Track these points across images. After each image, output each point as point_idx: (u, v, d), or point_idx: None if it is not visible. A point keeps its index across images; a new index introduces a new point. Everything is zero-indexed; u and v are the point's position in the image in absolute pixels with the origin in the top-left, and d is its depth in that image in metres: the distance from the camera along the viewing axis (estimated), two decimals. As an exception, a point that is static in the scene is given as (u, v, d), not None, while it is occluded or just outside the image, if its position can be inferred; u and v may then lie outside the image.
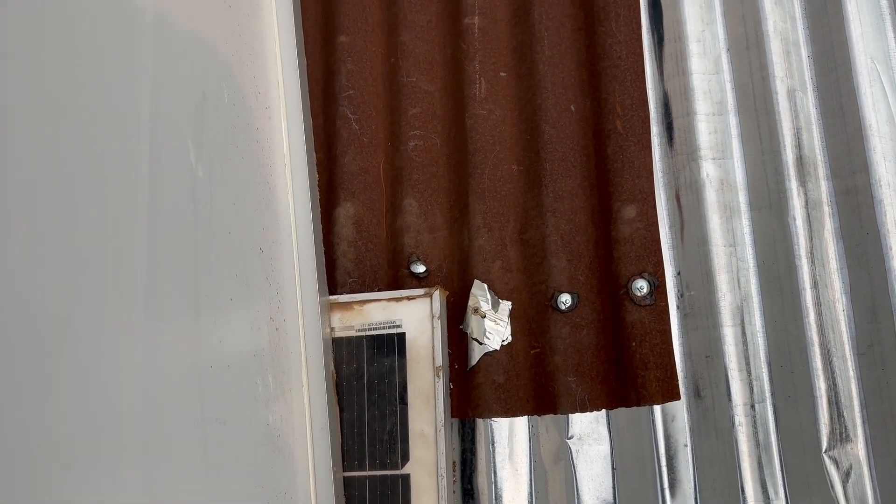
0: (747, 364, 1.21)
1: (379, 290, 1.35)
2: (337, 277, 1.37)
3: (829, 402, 1.16)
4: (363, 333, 1.30)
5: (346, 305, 1.31)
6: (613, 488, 1.22)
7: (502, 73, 1.42)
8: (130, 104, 0.84)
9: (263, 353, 1.08)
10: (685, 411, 1.22)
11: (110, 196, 0.75)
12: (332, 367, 1.28)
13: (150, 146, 0.83)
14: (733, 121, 1.31)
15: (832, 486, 1.13)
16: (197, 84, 1.02)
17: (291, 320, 1.23)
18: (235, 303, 0.99)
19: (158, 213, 0.82)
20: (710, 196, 1.27)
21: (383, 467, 1.24)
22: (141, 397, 0.76)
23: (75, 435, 0.66)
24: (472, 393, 1.29)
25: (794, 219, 1.23)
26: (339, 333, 1.30)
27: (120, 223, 0.77)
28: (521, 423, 1.27)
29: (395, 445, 1.24)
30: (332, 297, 1.32)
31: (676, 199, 1.29)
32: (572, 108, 1.37)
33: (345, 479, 1.24)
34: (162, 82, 0.91)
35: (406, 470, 1.23)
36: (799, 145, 1.26)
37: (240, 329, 1.00)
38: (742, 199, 1.27)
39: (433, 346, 1.27)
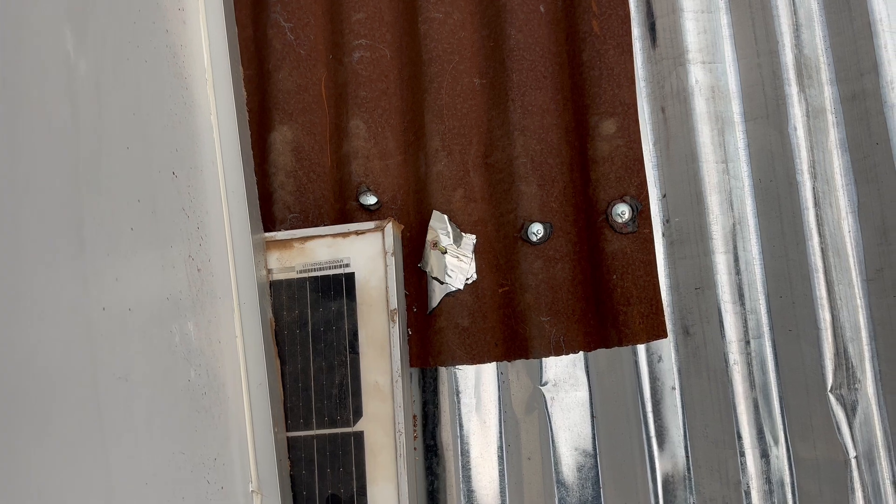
0: (742, 296, 1.07)
1: (324, 226, 1.17)
2: (275, 213, 1.19)
3: (835, 335, 1.03)
4: (306, 275, 1.12)
5: (285, 243, 1.14)
6: (593, 438, 1.08)
7: (460, -29, 1.23)
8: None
9: (181, 297, 0.90)
10: (673, 350, 1.08)
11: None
12: (270, 314, 1.10)
13: (4, 24, 0.63)
14: (724, 19, 1.14)
15: (838, 429, 1.01)
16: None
17: (219, 260, 1.05)
18: (138, 234, 0.81)
19: (17, 113, 0.63)
20: (700, 106, 1.11)
21: (333, 425, 1.08)
22: (5, 352, 0.58)
23: None
24: (434, 338, 1.13)
25: (795, 129, 1.08)
26: (277, 276, 1.13)
27: None
28: (489, 370, 1.12)
29: (345, 400, 1.08)
30: (269, 235, 1.14)
31: (661, 111, 1.13)
32: (541, 9, 1.18)
33: (289, 439, 1.08)
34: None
35: (359, 427, 1.07)
36: (798, 45, 1.10)
37: (145, 265, 0.82)
38: (735, 108, 1.12)
39: (386, 287, 1.10)
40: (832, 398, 1.01)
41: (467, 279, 1.14)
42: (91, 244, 0.71)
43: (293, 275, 1.13)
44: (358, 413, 1.08)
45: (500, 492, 1.09)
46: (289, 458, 1.08)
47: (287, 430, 1.08)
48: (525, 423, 1.10)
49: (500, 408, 1.11)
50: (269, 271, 1.13)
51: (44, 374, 0.63)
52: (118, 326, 0.73)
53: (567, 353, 1.10)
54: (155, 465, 0.77)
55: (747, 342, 1.06)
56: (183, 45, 1.06)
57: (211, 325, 0.99)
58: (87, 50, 0.76)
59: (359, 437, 1.07)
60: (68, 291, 0.66)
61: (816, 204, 1.06)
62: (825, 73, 1.10)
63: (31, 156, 0.64)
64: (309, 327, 1.11)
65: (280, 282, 1.13)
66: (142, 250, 0.81)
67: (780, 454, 1.04)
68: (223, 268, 1.05)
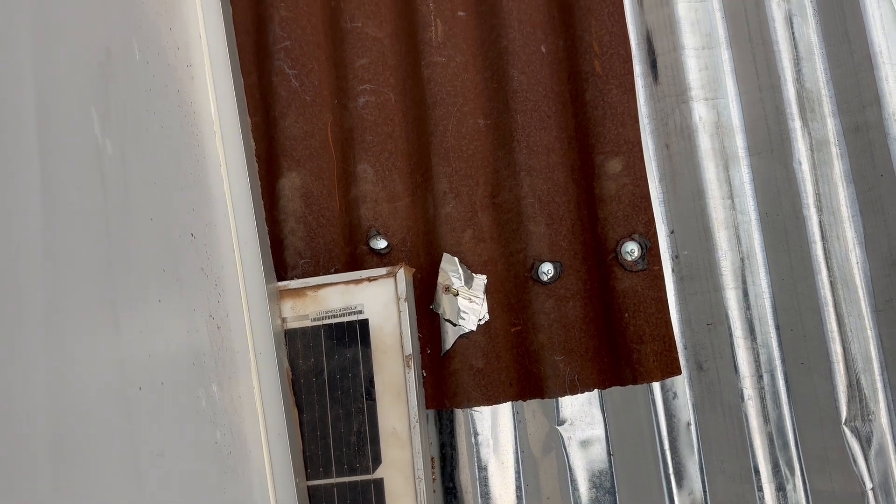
0: (752, 330, 1.08)
1: (335, 272, 1.18)
2: (286, 259, 1.20)
3: (847, 367, 1.04)
4: (320, 323, 1.13)
5: (299, 292, 1.15)
6: (612, 476, 1.09)
7: (461, 13, 1.24)
8: (5, 68, 0.64)
9: (205, 360, 0.91)
10: (687, 387, 1.09)
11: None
12: (286, 364, 1.11)
13: (38, 118, 0.64)
14: (725, 54, 1.15)
15: (854, 461, 1.02)
16: (97, 38, 0.82)
17: (235, 314, 1.06)
18: (165, 304, 0.82)
19: (54, 201, 0.64)
20: (704, 142, 1.12)
21: (352, 472, 1.09)
22: (47, 437, 0.59)
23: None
24: (449, 380, 1.14)
25: (800, 163, 1.09)
26: (291, 324, 1.14)
27: (3, 209, 0.58)
28: (505, 410, 1.13)
29: (364, 447, 1.09)
30: (282, 284, 1.15)
31: (666, 148, 1.14)
32: (543, 50, 1.19)
33: (309, 488, 1.09)
34: (49, 37, 0.72)
35: (379, 474, 1.08)
36: (800, 79, 1.11)
37: (173, 336, 0.83)
38: (740, 143, 1.13)
39: (401, 333, 1.11)
40: (847, 430, 1.02)
41: (480, 320, 1.15)
42: (125, 324, 0.72)
43: (307, 323, 1.14)
44: (377, 460, 1.09)
45: (521, 532, 1.10)
46: (310, 506, 1.09)
47: (307, 479, 1.09)
48: (543, 462, 1.11)
49: (517, 448, 1.12)
50: (284, 320, 1.14)
51: (87, 460, 0.64)
52: (154, 403, 0.74)
53: (582, 392, 1.11)
54: (185, 534, 0.78)
55: (760, 376, 1.07)
56: (193, 101, 1.07)
57: (231, 380, 1.00)
58: (111, 128, 0.78)
59: (378, 484, 1.08)
60: (107, 375, 0.67)
61: (823, 237, 1.07)
62: (827, 106, 1.11)
63: (67, 241, 0.66)
64: (325, 375, 1.12)
65: (295, 330, 1.14)
66: (169, 321, 0.82)
67: (796, 487, 1.05)
68: (239, 321, 1.07)
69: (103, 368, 0.67)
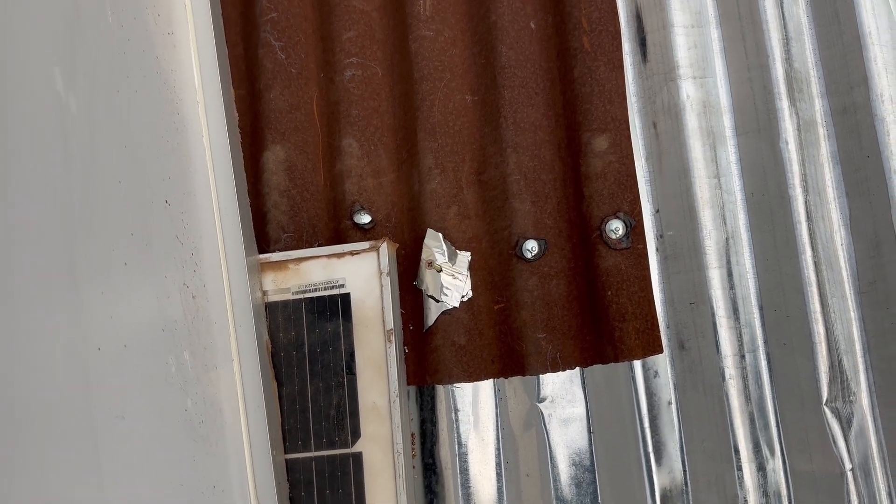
0: (736, 310, 1.08)
1: (318, 246, 1.17)
2: (269, 233, 1.19)
3: (829, 348, 1.03)
4: (301, 296, 1.12)
5: (280, 265, 1.13)
6: (591, 454, 1.09)
7: (450, -12, 1.22)
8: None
9: (176, 327, 0.90)
10: (668, 365, 1.08)
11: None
12: (266, 337, 1.10)
13: None
14: (715, 33, 1.14)
15: (834, 442, 1.01)
16: None
17: (213, 285, 1.04)
18: (132, 268, 0.80)
19: (6, 155, 0.63)
20: (691, 121, 1.11)
21: (331, 446, 1.08)
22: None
23: None
24: (430, 356, 1.13)
25: (786, 143, 1.08)
26: (272, 297, 1.13)
27: None
28: (487, 387, 1.13)
29: (343, 421, 1.08)
30: (263, 256, 1.14)
31: (653, 126, 1.13)
32: (532, 26, 1.18)
33: (287, 461, 1.08)
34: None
35: (357, 447, 1.08)
36: (789, 59, 1.10)
37: (140, 300, 0.82)
38: (727, 122, 1.12)
39: (382, 307, 1.10)
40: (827, 411, 1.02)
41: (463, 297, 1.14)
42: (85, 283, 0.71)
43: (288, 296, 1.13)
44: (356, 434, 1.08)
45: (500, 509, 1.10)
46: (287, 480, 1.08)
47: (285, 453, 1.08)
48: (523, 439, 1.11)
49: (497, 425, 1.12)
50: (265, 293, 1.13)
51: (40, 418, 0.63)
52: (114, 365, 0.73)
53: (563, 370, 1.10)
54: (156, 499, 0.77)
55: (742, 356, 1.07)
56: (174, 69, 1.06)
57: (207, 351, 0.99)
58: (76, 87, 0.76)
59: (357, 458, 1.07)
60: (63, 333, 0.66)
61: (809, 217, 1.06)
62: (816, 87, 1.10)
63: (23, 199, 0.64)
64: (305, 349, 1.11)
65: (276, 303, 1.13)
66: (136, 284, 0.81)
67: (776, 467, 1.04)
68: (218, 292, 1.05)
69: (56, 326, 0.66)
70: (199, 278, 0.99)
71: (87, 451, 0.66)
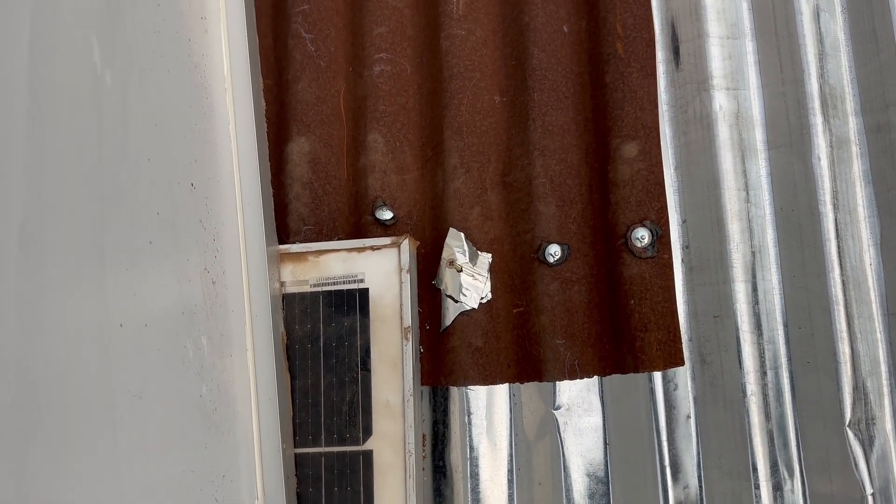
0: (760, 325, 1.06)
1: (338, 240, 1.16)
2: (289, 224, 1.18)
3: (854, 369, 1.01)
4: (319, 289, 1.11)
5: (300, 256, 1.12)
6: (606, 465, 1.07)
7: (483, -12, 1.22)
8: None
9: (196, 311, 0.89)
10: (689, 378, 1.06)
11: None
12: (281, 328, 1.09)
13: (32, 32, 0.62)
14: (750, 45, 1.13)
15: (855, 465, 0.99)
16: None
17: (233, 272, 1.03)
18: (157, 247, 0.79)
19: (43, 123, 0.62)
20: (723, 132, 1.10)
21: (342, 442, 1.06)
22: (16, 368, 0.56)
23: None
24: (446, 357, 1.12)
25: (819, 159, 1.07)
26: (290, 289, 1.12)
27: None
28: (502, 391, 1.11)
29: (355, 418, 1.07)
30: (283, 247, 1.13)
31: (684, 136, 1.12)
32: (565, 29, 1.17)
33: (297, 456, 1.07)
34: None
35: (368, 445, 1.06)
36: (824, 75, 1.09)
37: (162, 279, 0.81)
38: (759, 135, 1.11)
39: (401, 304, 1.09)
40: (850, 433, 1.00)
41: (482, 298, 1.13)
42: (111, 259, 0.70)
43: (306, 288, 1.11)
44: (368, 431, 1.06)
45: (509, 516, 1.08)
46: (296, 475, 1.06)
47: (295, 447, 1.07)
48: (537, 447, 1.09)
49: (511, 430, 1.10)
50: (283, 284, 1.12)
51: (61, 391, 0.61)
52: (134, 343, 0.72)
53: (581, 377, 1.08)
54: (167, 485, 0.76)
55: (764, 373, 1.05)
56: (204, 54, 1.05)
57: (223, 338, 0.98)
58: (113, 61, 0.75)
59: (368, 455, 1.06)
60: (88, 308, 0.65)
61: (838, 235, 1.05)
62: (850, 104, 1.09)
63: (55, 167, 0.63)
64: (321, 342, 1.09)
65: (293, 295, 1.11)
66: (159, 264, 0.80)
67: (795, 488, 1.02)
68: (236, 280, 1.04)
69: (80, 299, 0.65)
70: (219, 264, 0.98)
71: (107, 427, 0.65)
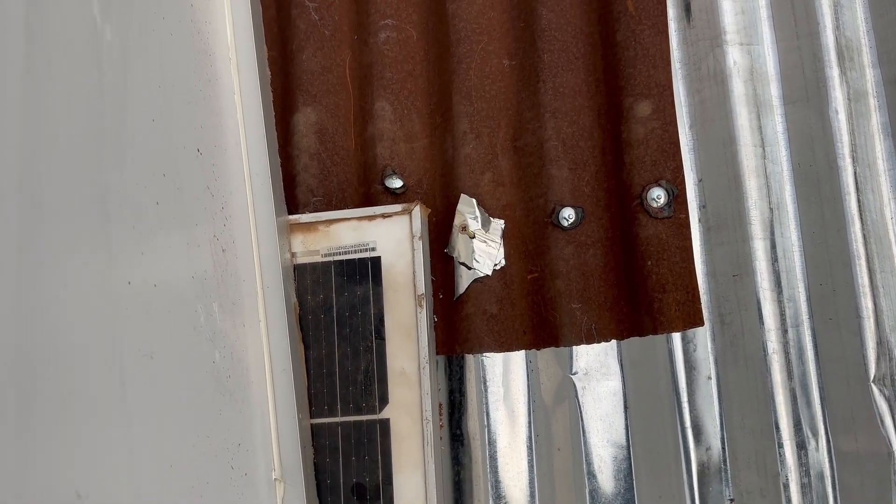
0: (780, 283, 1.04)
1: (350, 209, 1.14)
2: (298, 196, 1.16)
3: (877, 324, 0.99)
4: (331, 258, 1.10)
5: (310, 226, 1.11)
6: (626, 429, 1.05)
7: (489, -50, 1.19)
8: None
9: (206, 277, 0.88)
10: (709, 339, 1.05)
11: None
12: (294, 299, 1.08)
13: None
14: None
15: (881, 421, 0.97)
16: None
17: (242, 242, 1.02)
18: (163, 209, 0.78)
19: (40, 74, 0.60)
20: (737, 88, 1.08)
21: (358, 412, 1.05)
22: (20, 323, 0.55)
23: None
24: (461, 325, 1.10)
25: (836, 112, 1.04)
26: (301, 259, 1.10)
27: None
28: (518, 358, 1.09)
29: (371, 386, 1.05)
30: (293, 217, 1.11)
31: (698, 93, 1.10)
32: (573, -12, 1.15)
33: (313, 426, 1.05)
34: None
35: (385, 414, 1.05)
36: (840, 27, 1.07)
37: (171, 242, 0.79)
38: (774, 91, 1.08)
39: (414, 272, 1.07)
40: (874, 389, 0.98)
41: (495, 265, 1.11)
42: (116, 216, 0.68)
43: (318, 258, 1.10)
44: (384, 400, 1.05)
45: (529, 483, 1.06)
46: (312, 445, 1.05)
47: (311, 417, 1.05)
48: (555, 413, 1.07)
49: (528, 397, 1.08)
50: (293, 255, 1.10)
51: (68, 348, 0.60)
52: (143, 302, 0.71)
53: (599, 342, 1.07)
54: (179, 448, 0.75)
55: (785, 331, 1.03)
56: (207, 21, 1.03)
57: (235, 307, 0.96)
58: (112, 16, 0.74)
59: (385, 424, 1.04)
60: (93, 264, 0.63)
61: (858, 189, 1.03)
62: (867, 56, 1.06)
63: (55, 122, 0.62)
64: (334, 312, 1.08)
65: (304, 265, 1.10)
66: (167, 226, 0.78)
67: (819, 446, 1.00)
68: (247, 250, 1.03)
69: (86, 254, 0.63)
70: (228, 233, 0.97)
71: (115, 387, 0.64)
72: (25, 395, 0.55)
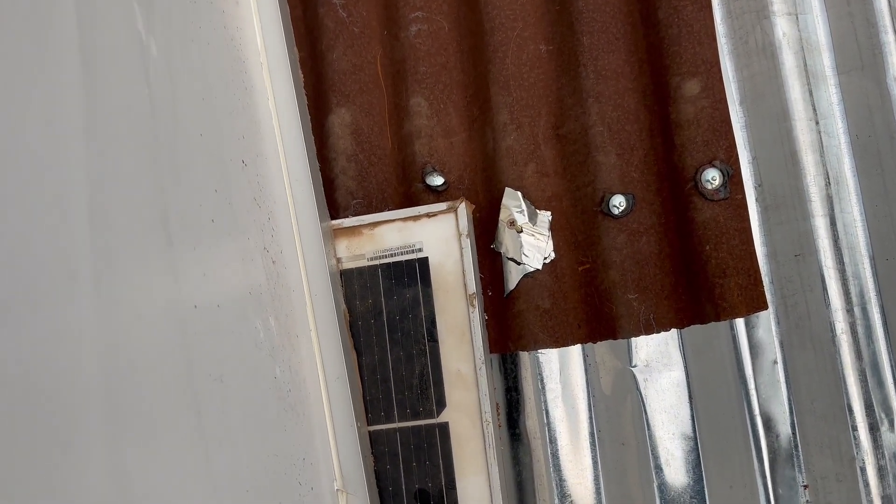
0: (843, 261, 1.00)
1: (391, 210, 1.12)
2: (337, 199, 1.14)
3: (951, 297, 0.96)
4: (377, 262, 1.07)
5: (354, 230, 1.08)
6: (693, 420, 1.02)
7: (518, -67, 1.15)
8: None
9: (262, 291, 0.86)
10: (773, 322, 1.01)
11: (22, 69, 0.50)
12: (343, 305, 1.05)
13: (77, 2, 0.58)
14: (810, -34, 1.06)
15: (962, 397, 0.94)
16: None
17: (289, 252, 1.00)
18: (218, 226, 0.76)
19: (98, 93, 0.58)
20: (788, 60, 1.04)
21: (416, 416, 1.03)
22: (99, 355, 0.53)
23: (12, 413, 0.43)
24: (513, 322, 1.07)
25: (894, 80, 1.00)
26: (347, 264, 1.08)
27: (41, 105, 0.52)
28: (574, 353, 1.07)
29: (427, 390, 1.03)
30: (336, 222, 1.09)
31: (746, 68, 1.06)
32: (610, -33, 1.11)
33: (371, 434, 1.03)
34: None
35: (444, 417, 1.02)
36: (893, -10, 1.02)
37: (228, 258, 0.77)
38: (827, 60, 1.04)
39: (463, 271, 1.05)
40: (952, 365, 0.95)
41: (545, 258, 1.08)
42: (178, 238, 0.66)
43: (364, 262, 1.08)
44: (441, 403, 1.03)
45: (594, 480, 1.04)
46: (372, 453, 1.03)
47: (369, 424, 1.04)
48: (617, 407, 1.05)
49: (588, 392, 1.06)
50: (339, 260, 1.08)
51: (144, 377, 0.58)
52: (209, 324, 0.69)
53: (658, 332, 1.04)
54: (254, 470, 0.73)
55: (851, 310, 0.99)
56: (238, 27, 1.01)
57: (288, 318, 0.94)
58: (155, 29, 0.71)
59: (444, 428, 1.02)
60: (163, 290, 0.61)
61: (922, 158, 0.99)
62: (924, 17, 1.02)
63: (113, 143, 0.60)
64: (384, 316, 1.06)
65: (351, 270, 1.07)
66: (223, 243, 0.76)
67: (894, 427, 0.97)
68: (293, 260, 1.01)
69: (155, 282, 0.61)
70: (276, 244, 0.95)
71: (191, 414, 0.62)
72: (115, 427, 0.53)
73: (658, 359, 1.04)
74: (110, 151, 0.59)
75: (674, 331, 1.04)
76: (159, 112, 0.67)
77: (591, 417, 1.05)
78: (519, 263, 1.08)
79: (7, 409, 0.42)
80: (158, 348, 0.60)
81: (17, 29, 0.49)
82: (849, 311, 0.99)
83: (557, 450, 1.05)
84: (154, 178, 0.64)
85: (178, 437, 0.60)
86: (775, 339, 1.01)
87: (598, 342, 1.06)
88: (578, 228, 1.09)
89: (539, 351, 1.07)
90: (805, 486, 0.99)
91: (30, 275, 0.46)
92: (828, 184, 1.01)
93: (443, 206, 1.06)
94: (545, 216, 1.09)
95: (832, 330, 0.99)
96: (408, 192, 1.15)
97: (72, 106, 0.55)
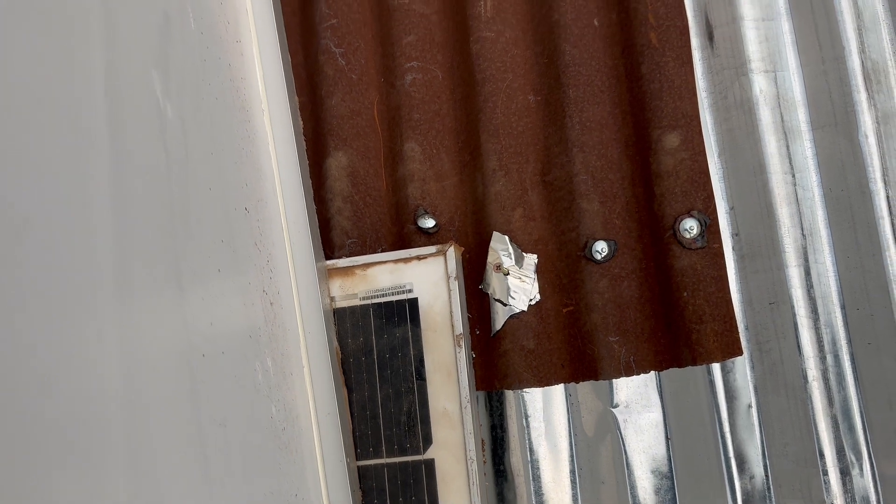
0: (816, 309, 1.04)
1: (382, 252, 1.17)
2: (333, 239, 1.18)
3: (918, 347, 1.00)
4: (369, 302, 1.12)
5: (347, 271, 1.13)
6: (669, 460, 1.06)
7: (510, -12, 1.21)
8: (78, 21, 0.63)
9: (260, 333, 0.90)
10: (748, 368, 1.05)
11: (58, 139, 0.55)
12: (335, 343, 1.10)
13: (106, 74, 0.63)
14: (786, 26, 1.11)
15: (927, 444, 0.98)
16: (157, 2, 0.81)
17: (285, 292, 1.04)
18: (224, 274, 0.80)
19: (123, 160, 0.63)
20: (765, 115, 1.09)
21: (403, 453, 1.07)
22: (118, 402, 0.57)
23: (30, 459, 0.48)
24: (499, 361, 1.12)
25: (865, 136, 1.05)
26: (340, 303, 1.12)
27: (74, 174, 0.57)
28: (558, 392, 1.11)
29: (414, 427, 1.07)
30: (330, 262, 1.13)
31: (725, 122, 1.11)
32: (596, 23, 1.17)
33: (359, 468, 1.07)
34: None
35: (430, 454, 1.06)
36: (865, 49, 1.07)
37: (232, 306, 0.82)
38: (802, 116, 1.09)
39: (451, 312, 1.09)
40: (918, 413, 0.98)
41: (531, 300, 1.13)
42: (189, 290, 0.71)
43: (356, 302, 1.12)
44: (428, 440, 1.07)
45: (575, 516, 1.08)
46: (360, 487, 1.07)
47: (357, 460, 1.08)
48: (597, 446, 1.09)
49: (570, 431, 1.10)
50: (332, 299, 1.12)
51: (157, 427, 0.62)
52: (215, 371, 0.73)
53: (638, 374, 1.08)
54: (248, 508, 0.77)
55: (824, 357, 1.03)
56: (243, 77, 1.06)
57: (284, 357, 0.99)
58: (171, 92, 0.76)
59: (430, 464, 1.06)
60: (176, 342, 0.66)
61: (891, 212, 1.03)
62: (894, 78, 1.07)
63: (134, 204, 0.64)
64: (374, 354, 1.10)
65: (343, 309, 1.12)
66: (228, 291, 0.81)
67: (864, 472, 1.01)
68: (289, 299, 1.05)
69: (170, 333, 0.66)
70: (274, 285, 0.99)
71: (200, 460, 0.66)
72: (130, 472, 0.57)
73: (637, 400, 1.08)
74: (132, 210, 0.63)
75: (653, 373, 1.08)
76: (173, 171, 0.72)
77: (572, 455, 1.09)
78: (505, 305, 1.13)
79: (21, 446, 0.47)
80: (171, 397, 0.64)
81: (52, 98, 0.54)
82: (821, 358, 1.04)
83: (541, 487, 1.09)
84: (169, 234, 0.68)
85: (188, 482, 0.64)
86: (750, 383, 1.05)
87: (581, 382, 1.10)
88: (563, 272, 1.14)
89: (524, 390, 1.11)
90: (778, 527, 1.02)
91: (57, 326, 0.51)
92: (802, 235, 1.06)
93: (433, 249, 1.11)
94: (531, 259, 1.14)
95: (805, 376, 1.03)
96: (400, 232, 1.19)
97: (99, 170, 0.60)
